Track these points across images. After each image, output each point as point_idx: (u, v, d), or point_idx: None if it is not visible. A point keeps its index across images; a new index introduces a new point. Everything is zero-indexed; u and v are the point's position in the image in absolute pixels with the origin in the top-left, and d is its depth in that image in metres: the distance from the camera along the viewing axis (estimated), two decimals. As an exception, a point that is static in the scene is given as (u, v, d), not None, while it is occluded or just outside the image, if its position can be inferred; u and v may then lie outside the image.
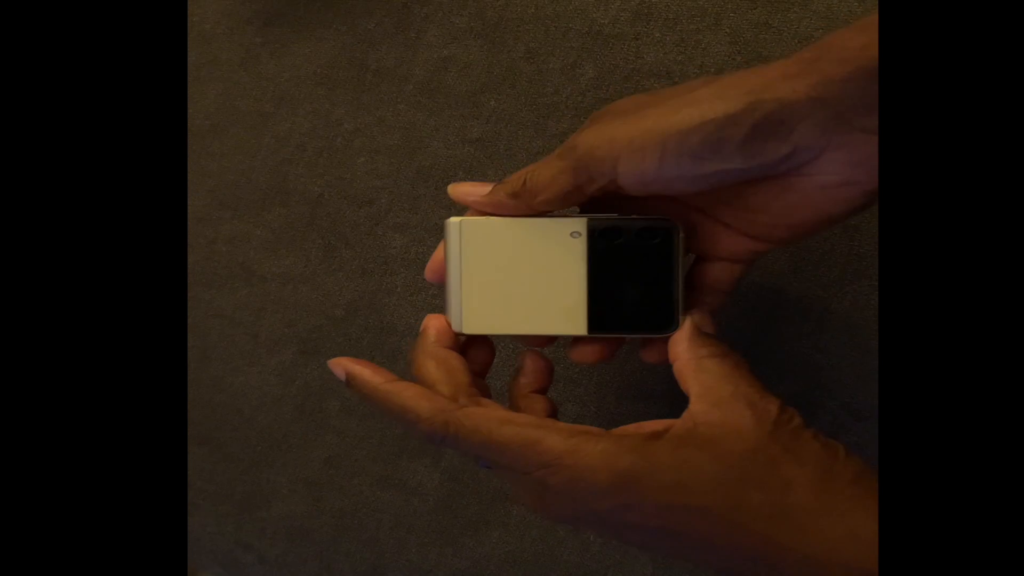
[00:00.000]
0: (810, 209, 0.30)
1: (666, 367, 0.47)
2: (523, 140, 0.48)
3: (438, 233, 0.36)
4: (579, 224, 0.34)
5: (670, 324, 0.34)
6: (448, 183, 0.37)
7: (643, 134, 0.29)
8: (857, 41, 0.26)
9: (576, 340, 0.36)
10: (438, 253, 0.36)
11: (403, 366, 0.52)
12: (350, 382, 0.33)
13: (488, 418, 0.30)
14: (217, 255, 0.55)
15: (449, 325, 0.35)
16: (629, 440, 0.29)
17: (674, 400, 0.47)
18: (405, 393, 0.31)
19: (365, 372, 0.32)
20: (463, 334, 0.35)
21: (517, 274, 0.35)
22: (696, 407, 0.30)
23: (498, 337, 0.37)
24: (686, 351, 0.32)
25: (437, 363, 0.33)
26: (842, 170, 0.28)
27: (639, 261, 0.34)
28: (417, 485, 0.53)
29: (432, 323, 0.35)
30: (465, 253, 0.35)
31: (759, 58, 0.43)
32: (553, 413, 0.35)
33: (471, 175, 0.49)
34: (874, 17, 0.25)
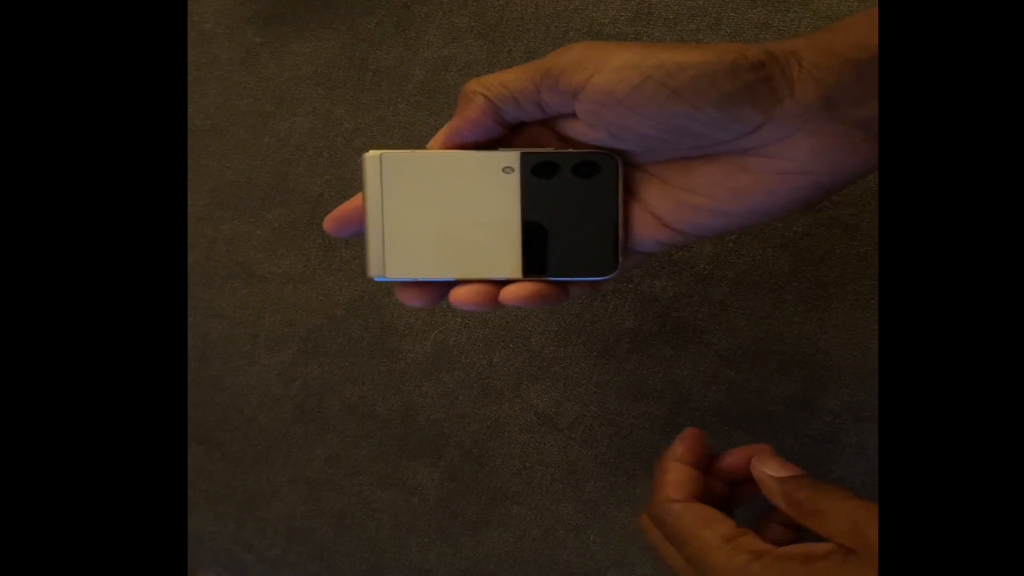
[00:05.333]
0: (755, 194, 0.30)
1: (665, 367, 0.47)
2: (523, 140, 0.48)
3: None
4: (511, 158, 0.31)
5: (610, 267, 0.32)
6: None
7: (638, 56, 0.28)
8: (864, 29, 0.26)
9: (504, 284, 0.33)
10: (348, 203, 0.34)
11: (403, 366, 0.52)
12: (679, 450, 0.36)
13: (694, 516, 0.33)
14: (217, 255, 0.55)
15: (699, 441, 0.36)
16: (785, 563, 0.30)
17: (674, 400, 0.47)
18: (675, 475, 0.35)
19: (677, 444, 0.36)
20: (385, 279, 0.33)
21: (444, 213, 0.32)
22: (837, 540, 0.31)
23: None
24: (786, 504, 0.33)
25: (678, 471, 0.36)
26: (804, 157, 0.28)
27: (577, 198, 0.32)
28: (417, 485, 0.53)
29: (683, 435, 0.37)
30: (387, 190, 0.32)
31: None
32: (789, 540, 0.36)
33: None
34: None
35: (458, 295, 0.33)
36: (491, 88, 0.31)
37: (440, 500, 0.53)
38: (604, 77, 0.28)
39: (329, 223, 0.34)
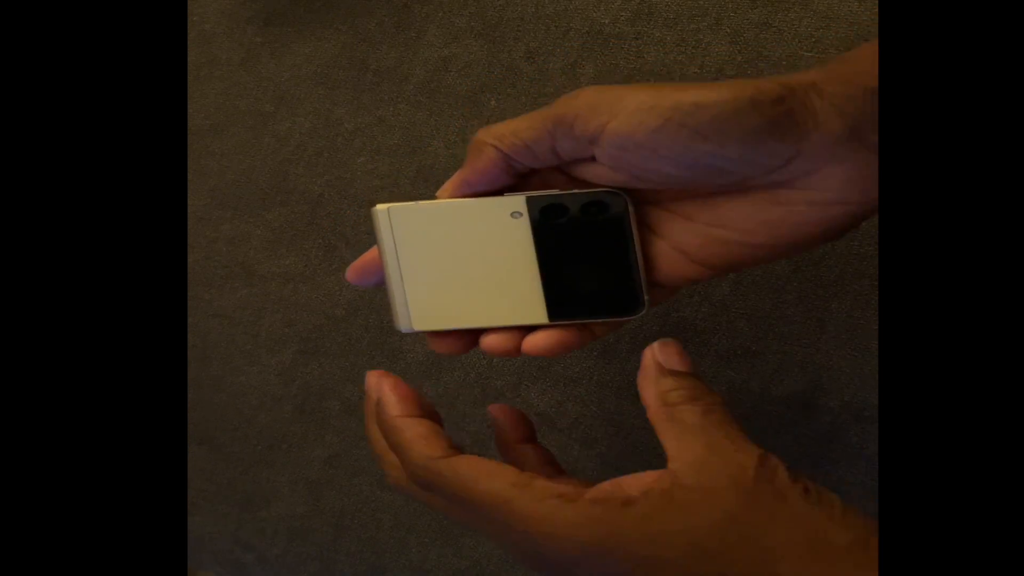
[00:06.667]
0: (788, 226, 0.29)
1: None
2: (523, 140, 0.48)
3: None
4: (518, 202, 0.31)
5: (637, 305, 0.31)
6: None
7: (653, 98, 0.28)
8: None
9: (532, 328, 0.32)
10: (368, 253, 0.34)
11: (403, 366, 0.52)
12: (376, 403, 0.32)
13: (469, 471, 0.29)
14: (217, 255, 0.55)
15: (406, 389, 0.32)
16: (601, 509, 0.27)
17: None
18: (416, 430, 0.31)
19: (391, 399, 0.32)
20: (413, 331, 0.33)
21: (461, 262, 0.32)
22: (672, 466, 0.28)
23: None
24: (655, 399, 0.30)
25: (417, 426, 0.31)
26: (836, 187, 0.28)
27: (590, 237, 0.31)
28: (417, 485, 0.53)
29: (387, 389, 0.32)
30: (400, 243, 0.32)
31: (759, 58, 0.43)
32: (547, 461, 0.33)
33: (471, 175, 0.49)
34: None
35: (488, 343, 0.32)
36: (502, 139, 0.30)
37: (440, 500, 0.53)
38: (622, 121, 0.28)
39: (351, 274, 0.34)
